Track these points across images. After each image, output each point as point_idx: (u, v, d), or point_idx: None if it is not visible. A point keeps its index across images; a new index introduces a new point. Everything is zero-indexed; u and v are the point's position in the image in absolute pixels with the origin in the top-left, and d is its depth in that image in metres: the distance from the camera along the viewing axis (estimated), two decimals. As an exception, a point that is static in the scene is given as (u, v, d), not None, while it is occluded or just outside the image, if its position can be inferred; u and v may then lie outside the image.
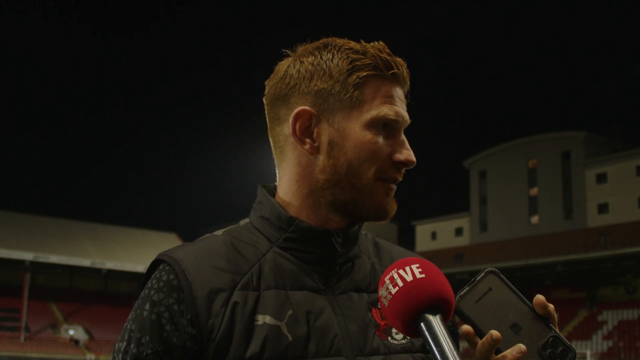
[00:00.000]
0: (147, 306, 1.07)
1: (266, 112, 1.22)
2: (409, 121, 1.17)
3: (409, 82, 1.19)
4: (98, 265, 57.34)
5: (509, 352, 0.89)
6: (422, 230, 67.69)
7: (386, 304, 0.92)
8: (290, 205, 1.17)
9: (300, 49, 1.19)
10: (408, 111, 1.19)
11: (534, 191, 59.39)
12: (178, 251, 1.12)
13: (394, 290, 0.91)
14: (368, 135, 1.12)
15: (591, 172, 54.88)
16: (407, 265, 0.92)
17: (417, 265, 0.92)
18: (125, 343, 1.06)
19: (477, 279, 0.94)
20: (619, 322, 46.88)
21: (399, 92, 1.16)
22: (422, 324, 0.89)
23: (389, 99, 1.14)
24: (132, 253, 61.26)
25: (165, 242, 62.90)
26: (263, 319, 1.07)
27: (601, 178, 54.24)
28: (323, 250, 1.15)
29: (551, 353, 0.90)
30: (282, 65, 1.19)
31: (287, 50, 1.21)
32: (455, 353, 0.86)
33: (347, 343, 1.10)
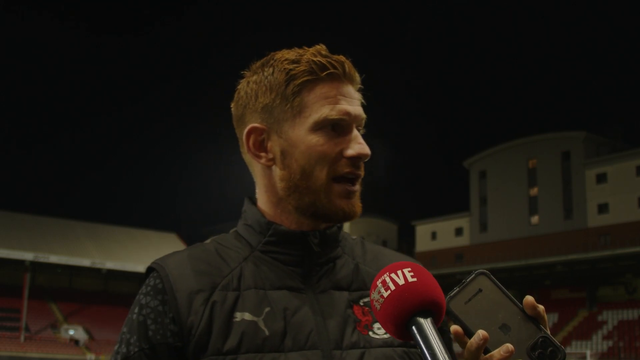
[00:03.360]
0: (136, 309, 1.17)
1: (237, 134, 1.29)
2: (361, 116, 1.21)
3: (356, 77, 1.23)
4: (98, 265, 57.34)
5: (497, 351, 0.90)
6: (422, 230, 67.51)
7: (378, 307, 0.93)
8: (267, 213, 1.25)
9: (251, 67, 1.25)
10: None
11: (534, 191, 59.39)
12: (167, 259, 1.21)
13: (386, 294, 0.92)
14: (314, 139, 1.18)
15: (591, 172, 54.88)
16: (399, 269, 0.93)
17: (409, 269, 0.93)
18: (118, 344, 1.17)
19: (468, 280, 0.95)
20: (619, 322, 46.92)
21: (343, 90, 1.20)
22: (413, 327, 0.90)
23: (330, 100, 1.18)
24: (132, 253, 61.16)
25: (166, 242, 62.29)
26: (241, 315, 1.14)
27: (601, 178, 54.25)
28: (301, 252, 1.21)
29: (540, 353, 0.90)
30: (239, 87, 1.27)
31: (244, 72, 1.26)
32: (446, 356, 0.86)
33: (324, 337, 1.15)
